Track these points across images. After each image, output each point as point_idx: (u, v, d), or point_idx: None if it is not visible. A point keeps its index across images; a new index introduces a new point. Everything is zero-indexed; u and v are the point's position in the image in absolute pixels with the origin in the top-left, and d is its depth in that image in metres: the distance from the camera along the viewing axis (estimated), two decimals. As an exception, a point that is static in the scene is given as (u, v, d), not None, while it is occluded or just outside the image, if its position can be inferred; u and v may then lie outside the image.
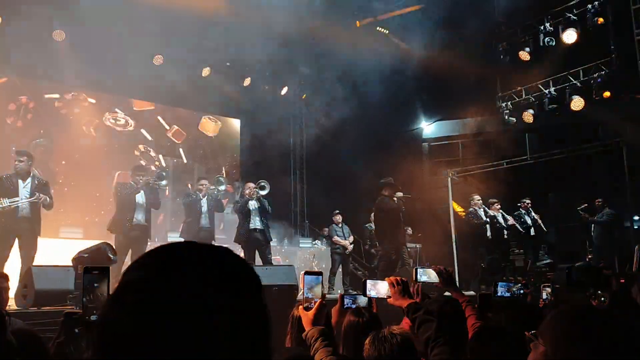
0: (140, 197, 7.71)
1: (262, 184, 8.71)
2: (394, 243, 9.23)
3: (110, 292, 0.71)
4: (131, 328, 0.65)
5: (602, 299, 4.09)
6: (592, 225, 10.36)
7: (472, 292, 9.19)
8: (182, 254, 0.72)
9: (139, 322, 0.65)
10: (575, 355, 1.16)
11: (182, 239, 8.44)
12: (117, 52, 10.95)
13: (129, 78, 11.44)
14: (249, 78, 13.17)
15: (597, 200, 10.41)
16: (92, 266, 1.82)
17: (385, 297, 2.65)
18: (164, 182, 8.01)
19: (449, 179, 13.49)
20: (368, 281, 2.72)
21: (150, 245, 7.72)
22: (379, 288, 2.68)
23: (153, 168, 12.09)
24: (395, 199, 9.34)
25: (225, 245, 0.79)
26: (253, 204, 8.60)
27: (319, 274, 2.40)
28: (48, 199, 7.02)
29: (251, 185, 8.76)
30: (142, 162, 11.92)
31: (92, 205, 10.85)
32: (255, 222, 8.56)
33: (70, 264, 5.79)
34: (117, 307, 0.67)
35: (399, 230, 9.43)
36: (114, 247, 6.15)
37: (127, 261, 7.22)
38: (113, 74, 11.18)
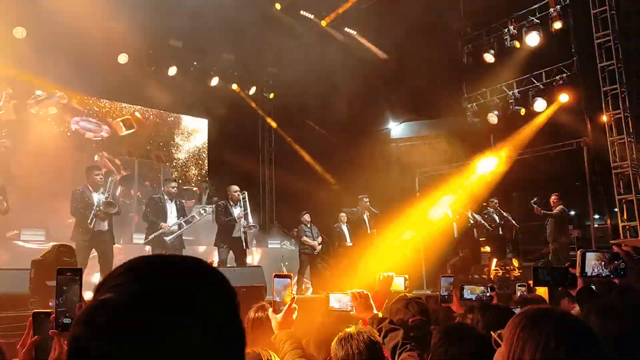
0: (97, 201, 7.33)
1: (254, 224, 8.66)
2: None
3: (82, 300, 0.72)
4: (104, 351, 0.65)
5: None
6: (547, 223, 10.63)
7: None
8: (158, 274, 0.71)
9: (113, 345, 0.65)
10: (526, 356, 1.18)
11: (148, 246, 8.16)
12: (81, 49, 10.70)
13: (93, 76, 11.20)
14: (216, 77, 13.06)
15: (553, 197, 10.68)
16: (65, 267, 1.80)
17: (348, 310, 2.67)
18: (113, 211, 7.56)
19: (417, 179, 13.65)
20: (331, 295, 2.73)
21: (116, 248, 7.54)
22: (342, 301, 2.69)
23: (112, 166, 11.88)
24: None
25: (198, 258, 0.79)
26: (238, 211, 8.49)
27: (289, 276, 2.39)
28: (5, 203, 6.79)
29: (234, 188, 8.65)
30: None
31: (56, 208, 10.57)
32: (240, 229, 8.43)
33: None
34: (90, 329, 0.67)
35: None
36: (72, 249, 5.95)
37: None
38: (76, 72, 10.92)
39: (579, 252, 1.78)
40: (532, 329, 1.22)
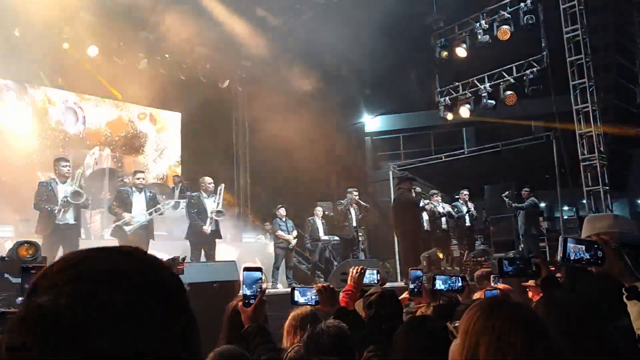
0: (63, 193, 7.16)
1: (221, 209, 8.51)
2: (416, 233, 9.92)
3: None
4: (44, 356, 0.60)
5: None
6: (518, 214, 10.81)
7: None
8: (98, 273, 0.66)
9: (48, 354, 0.60)
10: (480, 349, 1.19)
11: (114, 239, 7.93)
12: (50, 42, 10.46)
13: (62, 70, 10.97)
14: (188, 70, 12.90)
15: (524, 190, 10.86)
16: (29, 265, 1.76)
17: (313, 304, 2.67)
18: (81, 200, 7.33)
19: (390, 172, 13.74)
20: (296, 289, 2.73)
21: (83, 244, 7.39)
22: (307, 295, 2.69)
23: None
24: (413, 192, 9.79)
25: (140, 249, 0.74)
26: (211, 203, 8.38)
27: (259, 269, 2.38)
28: None
29: (208, 180, 8.54)
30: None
31: (23, 203, 10.34)
32: (212, 222, 8.33)
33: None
34: (24, 336, 0.61)
35: (418, 221, 10.13)
36: (36, 245, 5.80)
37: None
38: (46, 65, 10.69)
39: (560, 237, 1.79)
40: (486, 320, 1.21)
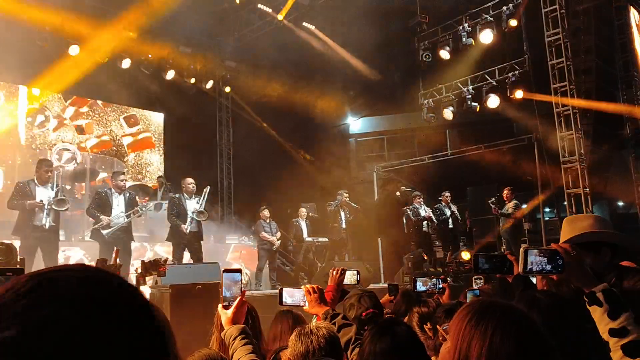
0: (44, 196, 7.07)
1: (203, 210, 8.41)
2: (400, 234, 10.09)
3: None
4: None
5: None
6: (501, 217, 10.90)
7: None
8: (68, 297, 0.60)
9: None
10: (472, 352, 1.18)
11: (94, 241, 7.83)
12: (26, 40, 10.31)
13: (43, 69, 10.82)
14: (172, 71, 12.80)
15: (505, 191, 10.94)
16: (5, 267, 1.73)
17: (301, 304, 2.66)
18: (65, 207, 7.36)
19: (375, 173, 13.77)
20: (284, 289, 2.71)
21: (62, 245, 7.30)
22: (296, 296, 2.68)
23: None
24: (398, 193, 9.78)
25: (86, 264, 0.69)
26: (192, 204, 8.33)
27: (238, 271, 2.36)
28: None
29: (189, 180, 8.47)
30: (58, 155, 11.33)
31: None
32: (192, 222, 8.23)
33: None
34: None
35: (402, 222, 10.23)
36: (10, 248, 5.70)
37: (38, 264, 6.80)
38: (25, 65, 10.52)
39: (521, 249, 1.82)
40: (477, 323, 1.21)
